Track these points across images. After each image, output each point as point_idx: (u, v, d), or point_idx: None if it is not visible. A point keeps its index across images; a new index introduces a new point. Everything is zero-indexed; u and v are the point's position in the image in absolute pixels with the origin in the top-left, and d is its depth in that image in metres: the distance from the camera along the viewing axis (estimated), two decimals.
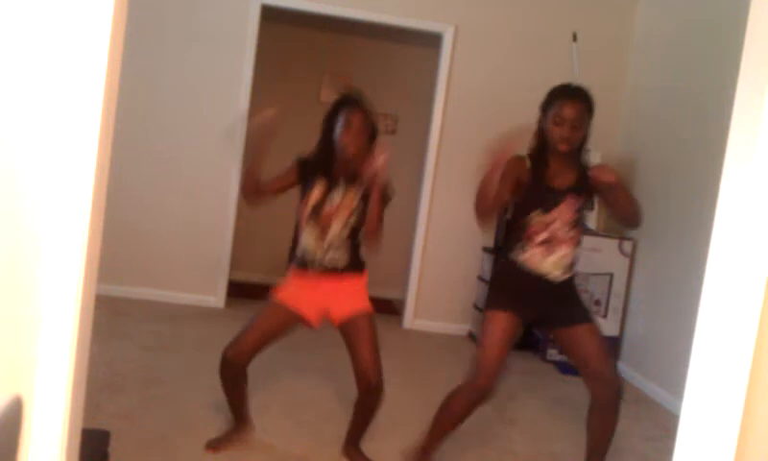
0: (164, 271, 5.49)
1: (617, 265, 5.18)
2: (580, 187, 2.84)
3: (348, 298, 2.96)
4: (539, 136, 2.89)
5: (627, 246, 5.20)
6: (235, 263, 5.76)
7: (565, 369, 5.06)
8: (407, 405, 3.95)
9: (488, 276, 5.46)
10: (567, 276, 2.88)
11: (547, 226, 2.82)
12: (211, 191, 5.49)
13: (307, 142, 3.14)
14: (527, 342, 5.36)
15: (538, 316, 2.96)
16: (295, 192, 3.09)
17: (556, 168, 2.85)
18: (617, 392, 2.82)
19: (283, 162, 3.06)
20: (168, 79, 5.40)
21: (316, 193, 2.94)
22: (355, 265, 3.00)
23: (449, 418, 2.94)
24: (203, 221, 5.51)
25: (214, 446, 3.12)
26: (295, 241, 3.05)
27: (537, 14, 5.61)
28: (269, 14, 5.54)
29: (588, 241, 5.15)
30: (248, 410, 3.21)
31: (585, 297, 5.15)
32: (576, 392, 4.65)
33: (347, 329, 2.95)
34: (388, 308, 6.39)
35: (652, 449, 3.81)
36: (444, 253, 5.72)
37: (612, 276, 5.19)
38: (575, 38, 5.46)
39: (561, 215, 2.82)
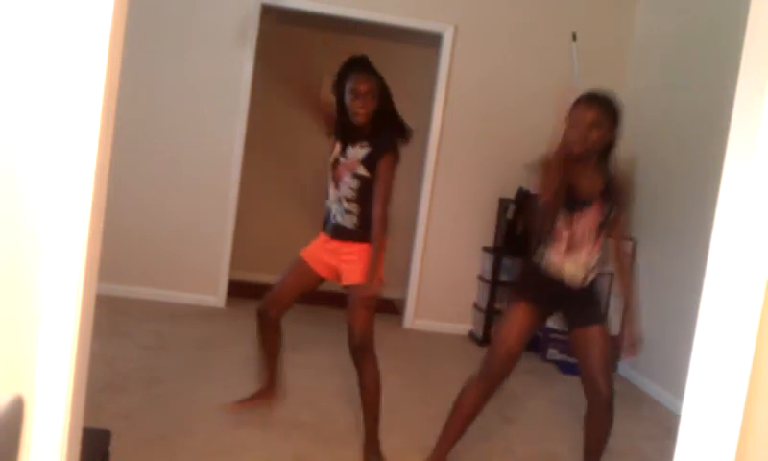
0: (165, 270, 5.49)
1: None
2: (606, 195, 2.90)
3: (352, 268, 3.07)
4: (562, 144, 2.91)
5: (627, 246, 5.20)
6: (235, 263, 5.76)
7: (566, 368, 5.06)
8: (407, 404, 3.96)
9: (488, 275, 5.46)
10: (588, 280, 2.94)
11: (570, 231, 2.88)
12: (211, 191, 5.49)
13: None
14: (529, 342, 5.36)
15: (558, 312, 3.09)
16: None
17: (579, 173, 2.88)
18: (606, 401, 2.91)
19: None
20: (168, 78, 5.40)
21: (336, 150, 3.13)
22: (360, 233, 3.07)
23: (462, 413, 3.02)
24: (203, 221, 5.51)
25: (234, 406, 3.35)
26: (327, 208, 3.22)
27: (536, 14, 5.61)
28: (269, 14, 5.53)
29: None
30: (278, 375, 3.37)
31: None
32: (576, 392, 4.65)
33: (347, 294, 3.11)
34: (388, 308, 6.38)
35: (652, 449, 3.81)
36: (445, 252, 5.72)
37: (612, 275, 5.18)
38: (575, 38, 5.45)
39: (585, 221, 2.87)
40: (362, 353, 3.10)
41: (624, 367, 5.16)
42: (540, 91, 5.52)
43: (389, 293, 6.73)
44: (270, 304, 3.22)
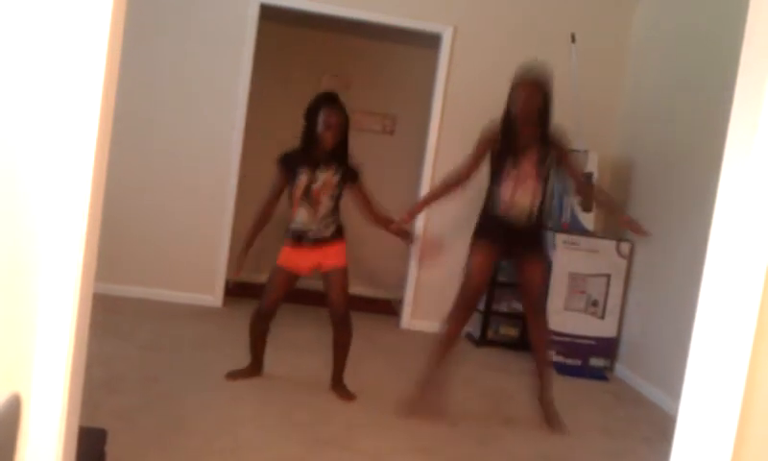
0: (162, 270, 5.49)
1: (615, 266, 5.19)
2: (541, 144, 3.73)
3: (331, 256, 3.81)
4: (507, 111, 3.76)
5: (624, 247, 5.20)
6: (233, 263, 5.74)
7: (563, 370, 5.06)
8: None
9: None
10: (530, 220, 3.75)
11: (517, 169, 3.71)
12: (209, 191, 5.48)
13: None
14: (526, 342, 5.36)
15: (506, 250, 3.86)
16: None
17: (521, 135, 3.72)
18: (543, 317, 3.93)
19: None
20: (166, 78, 5.39)
21: (303, 179, 3.72)
22: (338, 234, 3.83)
23: (447, 341, 3.90)
24: (200, 220, 5.51)
25: (234, 376, 3.95)
26: (289, 220, 3.82)
27: (535, 15, 5.61)
28: (268, 14, 5.53)
29: (585, 242, 5.17)
30: (263, 357, 4.03)
31: (582, 297, 5.17)
32: (573, 393, 4.66)
33: (326, 278, 3.85)
34: (386, 308, 6.39)
35: (649, 451, 3.81)
36: (442, 253, 5.71)
37: (609, 277, 5.19)
38: (573, 40, 5.47)
39: (526, 166, 3.70)
40: (348, 315, 3.86)
41: (620, 368, 5.16)
42: None
43: (387, 293, 6.75)
44: (271, 308, 3.87)
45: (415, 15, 5.52)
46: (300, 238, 3.79)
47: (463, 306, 3.85)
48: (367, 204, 3.87)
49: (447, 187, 3.82)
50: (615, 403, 4.58)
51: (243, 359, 4.04)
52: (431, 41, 5.73)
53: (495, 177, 3.77)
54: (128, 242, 5.33)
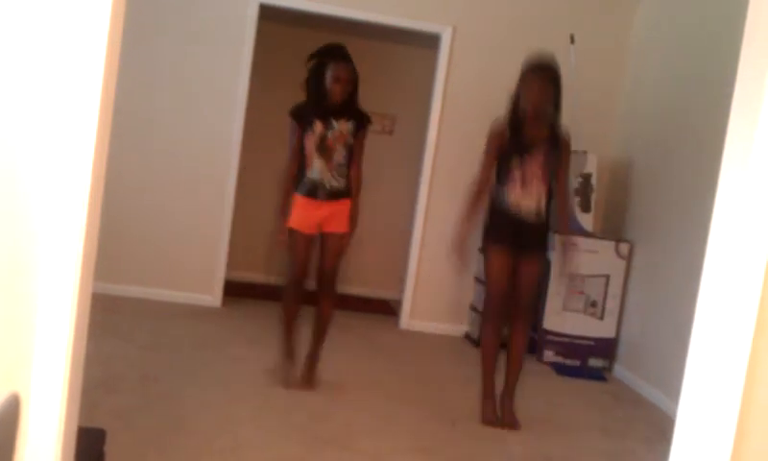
0: (161, 270, 5.48)
1: (614, 267, 5.19)
2: (549, 142, 3.67)
3: (336, 220, 3.81)
4: (514, 102, 3.69)
5: (623, 248, 5.20)
6: (232, 262, 5.75)
7: (561, 370, 5.06)
8: (406, 405, 3.95)
9: (484, 277, 5.46)
10: (538, 216, 3.68)
11: (522, 171, 3.63)
12: (208, 190, 5.48)
13: None
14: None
15: (518, 244, 3.72)
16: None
17: (529, 126, 3.65)
18: (527, 314, 3.87)
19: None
20: (166, 78, 5.39)
21: (317, 130, 3.71)
22: (348, 191, 3.83)
23: (488, 353, 3.88)
24: (199, 220, 5.50)
25: (278, 376, 3.89)
26: (300, 174, 3.78)
27: (535, 15, 5.61)
28: (267, 14, 5.53)
29: (584, 243, 5.16)
30: (296, 345, 3.93)
31: (581, 298, 5.17)
32: (572, 394, 4.66)
33: (324, 240, 3.85)
34: (384, 309, 6.38)
35: (648, 451, 3.82)
36: (441, 253, 5.69)
37: (608, 277, 5.19)
38: (573, 41, 5.46)
39: (533, 163, 3.63)
40: (334, 280, 3.88)
41: (620, 369, 5.16)
42: None
43: (385, 294, 6.74)
44: (301, 274, 3.82)
45: (414, 16, 5.52)
46: (313, 191, 3.76)
47: (493, 313, 3.84)
48: (358, 154, 3.85)
49: (478, 196, 3.78)
50: (614, 404, 4.58)
51: (241, 358, 4.04)
52: (430, 41, 5.73)
53: (501, 176, 3.72)
54: (127, 242, 5.33)
